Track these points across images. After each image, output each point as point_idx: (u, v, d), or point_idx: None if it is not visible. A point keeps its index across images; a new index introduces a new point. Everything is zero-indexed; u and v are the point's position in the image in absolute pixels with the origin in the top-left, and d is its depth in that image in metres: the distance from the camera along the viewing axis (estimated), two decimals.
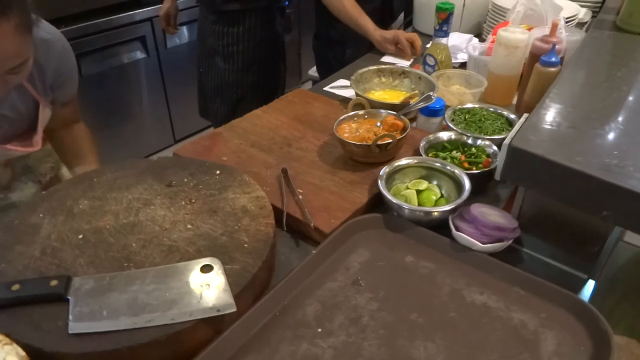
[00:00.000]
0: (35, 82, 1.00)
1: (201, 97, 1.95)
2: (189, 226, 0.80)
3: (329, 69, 1.71)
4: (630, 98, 0.88)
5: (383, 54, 1.63)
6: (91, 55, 2.29)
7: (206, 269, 0.72)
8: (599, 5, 1.72)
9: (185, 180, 0.90)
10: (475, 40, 1.57)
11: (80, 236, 0.77)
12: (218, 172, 0.92)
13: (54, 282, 0.67)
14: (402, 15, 2.05)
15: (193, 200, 0.85)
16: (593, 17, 1.68)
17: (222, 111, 1.82)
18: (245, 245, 0.76)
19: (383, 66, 1.32)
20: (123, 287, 0.69)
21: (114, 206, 0.84)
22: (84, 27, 2.21)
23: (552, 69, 1.09)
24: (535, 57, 1.16)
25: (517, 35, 1.22)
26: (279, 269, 0.83)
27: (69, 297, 0.66)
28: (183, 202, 0.85)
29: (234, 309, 0.66)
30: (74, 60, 1.10)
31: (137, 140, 2.64)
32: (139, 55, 2.49)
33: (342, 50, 1.87)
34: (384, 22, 1.90)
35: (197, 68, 1.88)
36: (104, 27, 2.27)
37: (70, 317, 0.64)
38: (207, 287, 0.69)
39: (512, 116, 1.11)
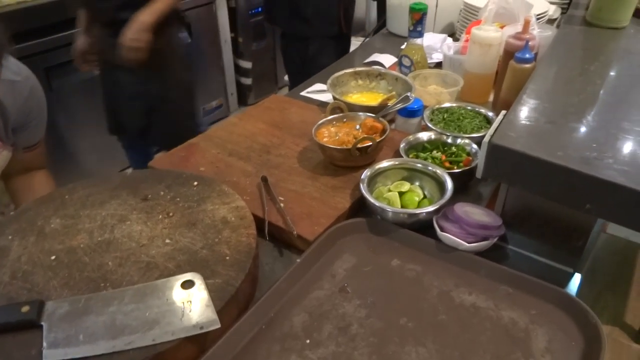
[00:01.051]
0: None
1: (109, 114, 1.89)
2: (167, 241, 0.77)
3: (294, 67, 1.73)
4: (604, 91, 0.89)
5: (362, 56, 1.63)
6: (62, 67, 2.23)
7: (187, 284, 0.69)
8: (567, 2, 1.75)
9: (162, 193, 0.88)
10: (450, 39, 1.57)
11: (53, 257, 0.74)
12: (195, 183, 0.90)
13: (25, 308, 0.64)
14: (374, 17, 2.09)
15: (171, 214, 0.83)
16: (562, 13, 1.71)
17: (135, 126, 1.79)
18: (227, 257, 0.74)
19: (359, 69, 1.31)
20: (100, 308, 0.65)
21: (87, 224, 0.81)
22: (56, 39, 2.15)
23: (527, 65, 1.10)
24: (509, 54, 1.17)
25: (490, 34, 1.23)
26: (262, 280, 0.81)
27: (42, 323, 0.63)
28: (160, 216, 0.82)
29: (218, 326, 0.64)
30: (43, 102, 1.06)
31: (111, 154, 2.58)
32: None
33: (305, 46, 1.91)
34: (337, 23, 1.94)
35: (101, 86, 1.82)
36: (73, 40, 2.22)
37: (45, 344, 0.61)
38: (189, 303, 0.66)
39: (490, 114, 1.12)
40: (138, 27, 1.57)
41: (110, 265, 0.73)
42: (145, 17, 1.57)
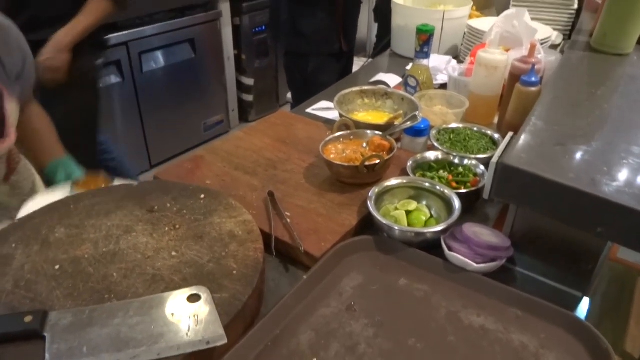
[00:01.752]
0: None
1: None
2: (173, 253, 0.76)
3: (296, 84, 1.74)
4: (612, 116, 0.89)
5: (367, 76, 1.64)
6: None
7: (193, 298, 0.68)
8: (569, 28, 1.78)
9: (168, 205, 0.87)
10: (454, 61, 1.59)
11: (57, 267, 0.73)
12: (202, 196, 0.89)
13: (28, 318, 0.62)
14: (373, 37, 2.13)
15: (177, 226, 0.82)
16: (564, 39, 1.74)
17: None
18: (234, 272, 0.73)
19: (366, 87, 1.32)
20: (104, 320, 0.64)
21: (92, 234, 0.79)
22: None
23: (533, 89, 1.11)
24: (514, 77, 1.18)
25: (496, 57, 1.24)
26: (268, 296, 0.80)
27: (45, 334, 0.61)
28: (167, 228, 0.81)
29: (224, 341, 0.63)
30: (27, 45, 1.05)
31: None
32: (114, 79, 2.45)
33: (305, 63, 1.94)
34: (337, 41, 1.96)
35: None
36: None
37: (47, 355, 0.59)
38: (195, 318, 0.65)
39: (496, 136, 1.12)
40: (54, 47, 1.55)
41: (115, 277, 0.71)
42: (62, 37, 1.56)
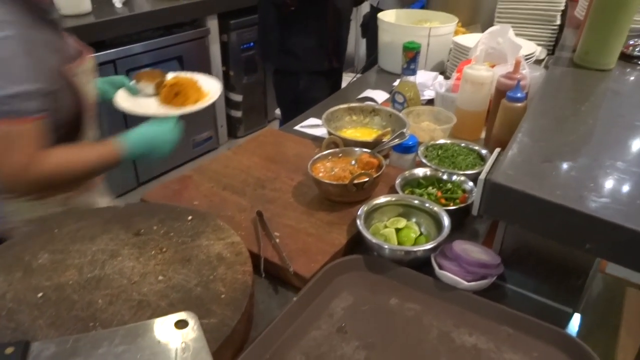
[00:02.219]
0: None
1: None
2: (160, 278, 0.75)
3: (286, 101, 1.75)
4: (597, 131, 0.90)
5: (355, 92, 1.65)
6: None
7: (181, 324, 0.66)
8: (553, 43, 1.81)
9: (155, 227, 0.85)
10: (441, 77, 1.60)
11: (40, 294, 0.71)
12: (190, 217, 0.88)
13: (9, 350, 0.60)
14: (363, 53, 2.15)
15: (164, 249, 0.81)
16: (548, 54, 1.76)
17: None
18: (223, 296, 0.72)
19: (353, 104, 1.32)
20: (89, 350, 0.62)
21: (77, 259, 0.78)
22: None
23: (519, 104, 1.12)
24: (500, 92, 1.19)
25: (482, 73, 1.26)
26: (258, 319, 0.79)
27: None
28: (153, 252, 0.80)
29: None
30: None
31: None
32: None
33: (296, 81, 1.95)
34: (328, 58, 1.98)
35: None
36: None
37: None
38: (183, 345, 0.63)
39: (484, 151, 1.13)
40: None
41: (100, 304, 0.70)
42: None
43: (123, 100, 1.16)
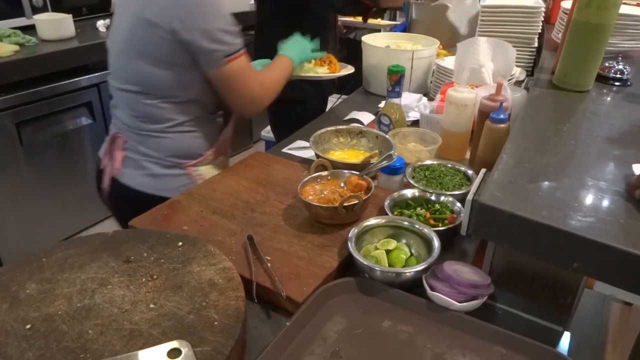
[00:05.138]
0: None
1: None
2: (151, 306, 0.74)
3: (289, 127, 1.73)
4: (579, 151, 0.93)
5: (340, 114, 1.67)
6: (33, 123, 2.20)
7: (174, 353, 0.66)
8: (531, 64, 1.87)
9: (145, 254, 0.85)
10: (425, 99, 1.64)
11: (28, 326, 0.69)
12: (180, 243, 0.88)
13: None
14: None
15: (155, 276, 0.80)
16: (528, 75, 1.82)
17: None
18: (216, 323, 0.71)
19: (340, 127, 1.34)
20: None
21: (66, 289, 0.77)
22: (27, 95, 2.13)
23: (502, 125, 1.15)
24: (483, 114, 1.22)
25: (465, 95, 1.29)
26: (251, 345, 0.78)
27: None
28: (144, 279, 0.79)
29: None
30: None
31: (83, 209, 2.51)
32: (85, 121, 2.42)
33: (304, 107, 1.92)
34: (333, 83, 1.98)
35: None
36: (47, 95, 2.20)
37: None
38: None
39: (470, 172, 1.15)
40: None
41: (90, 334, 0.69)
42: None
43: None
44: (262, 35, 1.90)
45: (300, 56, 1.46)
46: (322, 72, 1.61)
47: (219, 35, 1.12)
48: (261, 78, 1.29)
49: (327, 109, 2.01)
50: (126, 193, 1.28)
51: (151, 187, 1.26)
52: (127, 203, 1.29)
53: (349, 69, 1.68)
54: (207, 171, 1.32)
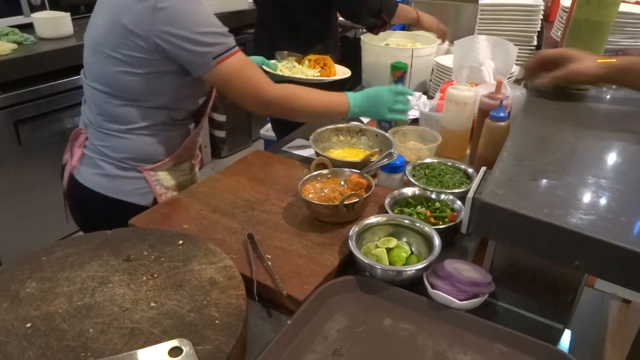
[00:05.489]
0: None
1: None
2: (152, 304, 0.74)
3: (290, 125, 1.72)
4: (579, 149, 0.93)
5: None
6: (31, 121, 2.19)
7: (175, 352, 0.65)
8: None
9: (145, 253, 0.84)
10: (424, 97, 1.64)
11: (29, 325, 0.69)
12: (181, 242, 0.87)
13: None
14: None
15: (155, 275, 0.80)
16: None
17: None
18: (217, 321, 0.71)
19: (340, 125, 1.34)
20: None
21: (66, 287, 0.76)
22: (25, 93, 2.12)
23: (502, 124, 1.15)
24: (483, 112, 1.22)
25: (465, 93, 1.29)
26: (252, 344, 0.78)
27: None
28: (144, 278, 0.79)
29: None
30: None
31: None
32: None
33: None
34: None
35: None
36: (46, 93, 2.20)
37: None
38: None
39: (470, 170, 1.15)
40: None
41: (91, 332, 0.68)
42: None
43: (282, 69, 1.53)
44: (262, 31, 1.90)
45: (369, 110, 1.28)
46: (312, 74, 1.52)
47: (202, 38, 1.06)
48: (282, 86, 1.20)
49: None
50: (80, 191, 1.23)
51: (103, 187, 1.21)
52: (81, 201, 1.27)
53: (345, 73, 1.58)
54: (167, 177, 1.25)
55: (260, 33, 1.92)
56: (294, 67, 1.51)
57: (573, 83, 1.04)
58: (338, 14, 1.97)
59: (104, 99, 1.16)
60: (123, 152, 1.19)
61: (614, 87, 1.09)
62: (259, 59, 1.47)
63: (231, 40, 1.11)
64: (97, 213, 1.24)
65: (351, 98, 1.24)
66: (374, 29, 1.81)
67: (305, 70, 1.53)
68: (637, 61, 0.95)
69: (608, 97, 1.18)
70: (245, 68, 1.14)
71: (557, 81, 0.99)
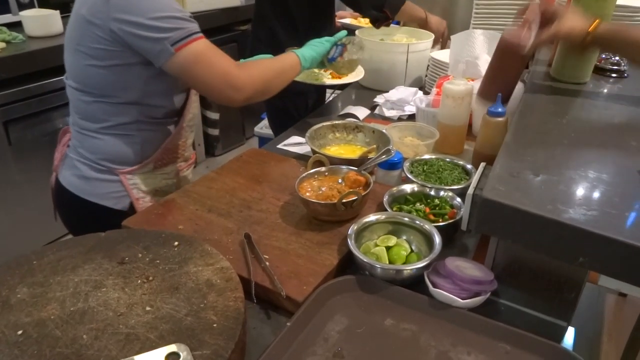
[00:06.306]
0: None
1: None
2: (148, 308, 0.72)
3: (287, 121, 1.70)
4: (580, 144, 0.92)
5: (336, 109, 1.65)
6: (21, 121, 2.15)
7: (172, 357, 0.64)
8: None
9: (140, 255, 0.82)
10: (420, 93, 1.62)
11: (20, 332, 0.67)
12: (176, 243, 0.85)
13: None
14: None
15: (150, 278, 0.78)
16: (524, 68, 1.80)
17: None
18: (215, 325, 0.69)
19: (337, 122, 1.32)
20: None
21: (58, 292, 0.74)
22: (15, 93, 2.09)
23: (500, 119, 1.14)
24: (505, 52, 1.20)
25: (461, 87, 1.27)
26: (251, 346, 0.76)
27: None
28: (139, 281, 0.77)
29: None
30: None
31: None
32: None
33: (304, 100, 1.88)
34: None
35: None
36: (36, 92, 2.16)
37: None
38: None
39: (469, 166, 1.13)
40: None
41: (85, 339, 0.66)
42: None
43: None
44: (261, 26, 1.86)
45: (313, 55, 1.30)
46: (324, 78, 1.55)
47: (158, 23, 0.99)
48: (245, 64, 1.17)
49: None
50: (61, 192, 1.21)
51: (79, 189, 1.17)
52: (62, 203, 1.24)
53: (358, 74, 1.58)
54: (145, 182, 1.20)
55: (258, 28, 1.89)
56: (312, 72, 1.52)
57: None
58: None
59: (78, 95, 1.13)
60: (97, 152, 1.15)
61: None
62: (267, 55, 1.42)
63: (193, 25, 1.05)
64: (78, 215, 1.22)
65: (300, 56, 1.27)
66: (376, 23, 1.80)
67: (316, 74, 1.56)
68: (625, 29, 0.96)
69: (606, 90, 1.17)
70: (209, 54, 1.06)
71: (543, 45, 1.00)
